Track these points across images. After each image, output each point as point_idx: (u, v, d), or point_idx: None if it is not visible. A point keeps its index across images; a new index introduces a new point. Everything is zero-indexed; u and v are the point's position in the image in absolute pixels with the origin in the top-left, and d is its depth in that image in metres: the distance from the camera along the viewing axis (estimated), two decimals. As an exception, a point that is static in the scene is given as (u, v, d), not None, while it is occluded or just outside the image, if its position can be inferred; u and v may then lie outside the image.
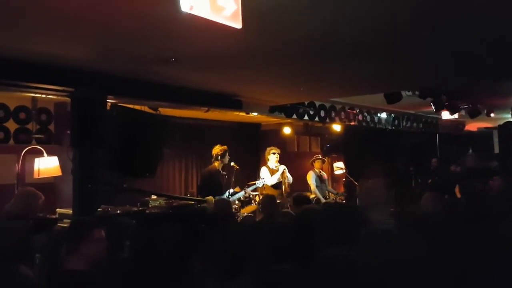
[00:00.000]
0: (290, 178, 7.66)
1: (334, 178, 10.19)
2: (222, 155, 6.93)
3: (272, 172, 7.62)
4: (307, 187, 8.38)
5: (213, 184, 6.80)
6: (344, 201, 8.40)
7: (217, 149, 7.03)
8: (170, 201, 6.08)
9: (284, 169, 7.60)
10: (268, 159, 7.73)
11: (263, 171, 7.69)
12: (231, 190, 7.02)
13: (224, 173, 7.07)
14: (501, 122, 10.57)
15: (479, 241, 2.94)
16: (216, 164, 6.97)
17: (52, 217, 4.62)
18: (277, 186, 7.57)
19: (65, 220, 4.88)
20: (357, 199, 5.07)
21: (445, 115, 9.24)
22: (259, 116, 7.58)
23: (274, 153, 7.65)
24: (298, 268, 2.22)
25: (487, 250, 2.86)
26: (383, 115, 10.31)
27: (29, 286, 2.32)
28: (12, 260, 2.38)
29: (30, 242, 2.74)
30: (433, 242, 2.64)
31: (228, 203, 5.02)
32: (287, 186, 7.58)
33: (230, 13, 2.44)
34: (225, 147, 7.05)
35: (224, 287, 2.26)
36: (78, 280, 2.50)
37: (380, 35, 3.78)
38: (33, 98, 5.68)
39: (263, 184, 7.45)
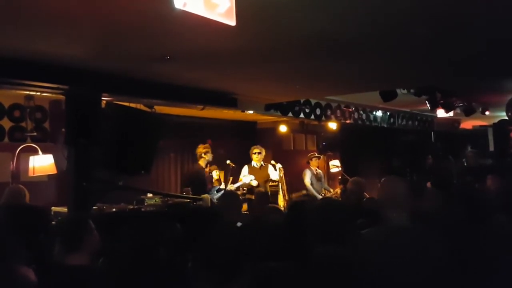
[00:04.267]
0: (272, 175, 7.70)
1: (330, 176, 10.21)
2: (206, 154, 7.15)
3: (252, 171, 7.64)
4: (303, 185, 8.40)
5: (197, 182, 6.93)
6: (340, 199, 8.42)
7: (200, 148, 7.21)
8: (166, 199, 6.07)
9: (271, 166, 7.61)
10: (252, 158, 7.78)
11: (243, 170, 7.72)
12: (218, 187, 7.14)
13: (207, 170, 7.19)
14: (496, 120, 10.60)
15: (476, 240, 2.95)
16: (201, 162, 7.16)
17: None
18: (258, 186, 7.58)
19: (59, 219, 4.87)
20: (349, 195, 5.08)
21: (440, 113, 9.28)
22: (255, 114, 7.58)
23: (255, 153, 7.68)
24: (294, 266, 2.21)
25: (485, 249, 2.87)
26: (379, 113, 10.33)
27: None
28: (10, 261, 2.34)
29: (32, 240, 2.69)
30: (434, 239, 2.64)
31: (236, 196, 4.88)
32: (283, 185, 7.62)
33: (224, 10, 2.44)
34: (207, 145, 7.22)
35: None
36: (80, 276, 2.50)
37: (376, 34, 3.78)
38: (27, 96, 5.66)
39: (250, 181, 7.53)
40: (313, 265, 2.11)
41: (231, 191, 6.44)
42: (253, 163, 7.71)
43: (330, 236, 2.33)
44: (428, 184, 6.06)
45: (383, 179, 3.22)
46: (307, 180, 8.36)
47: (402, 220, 2.70)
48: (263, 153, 7.75)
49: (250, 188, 7.48)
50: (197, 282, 2.25)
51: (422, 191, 4.39)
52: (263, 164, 7.74)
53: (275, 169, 7.79)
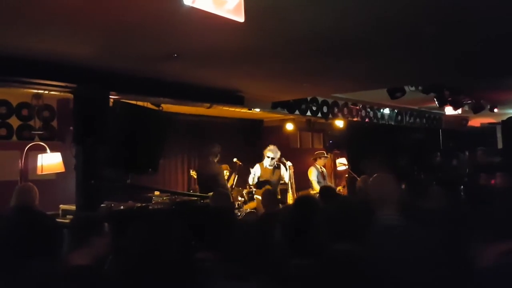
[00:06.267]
0: (286, 177, 7.60)
1: (336, 174, 10.18)
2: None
3: (265, 172, 7.52)
4: (309, 183, 8.38)
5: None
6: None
7: None
8: (173, 197, 6.08)
9: (290, 166, 7.52)
10: (265, 158, 7.64)
11: (256, 169, 7.58)
12: None
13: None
14: (504, 118, 10.54)
15: (481, 239, 2.92)
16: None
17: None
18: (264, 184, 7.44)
19: (68, 216, 4.89)
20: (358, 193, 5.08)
21: (449, 110, 9.22)
22: (261, 112, 7.57)
23: (268, 157, 7.49)
24: (309, 263, 2.20)
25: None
26: (386, 110, 10.28)
27: (45, 283, 2.27)
28: (29, 256, 2.33)
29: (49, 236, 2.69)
30: (440, 236, 2.62)
31: (226, 196, 4.90)
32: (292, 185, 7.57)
33: (232, 7, 2.43)
34: None
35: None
36: (85, 276, 2.50)
37: (383, 31, 3.75)
38: (35, 94, 5.69)
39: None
40: (327, 263, 2.09)
41: (220, 190, 6.38)
42: (265, 164, 7.57)
43: (344, 233, 2.31)
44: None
45: (372, 177, 3.16)
46: (314, 178, 8.34)
47: (393, 219, 2.66)
48: (278, 156, 7.51)
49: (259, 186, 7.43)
50: (210, 280, 2.24)
51: (427, 189, 4.35)
52: (276, 165, 7.58)
53: (286, 168, 7.68)
